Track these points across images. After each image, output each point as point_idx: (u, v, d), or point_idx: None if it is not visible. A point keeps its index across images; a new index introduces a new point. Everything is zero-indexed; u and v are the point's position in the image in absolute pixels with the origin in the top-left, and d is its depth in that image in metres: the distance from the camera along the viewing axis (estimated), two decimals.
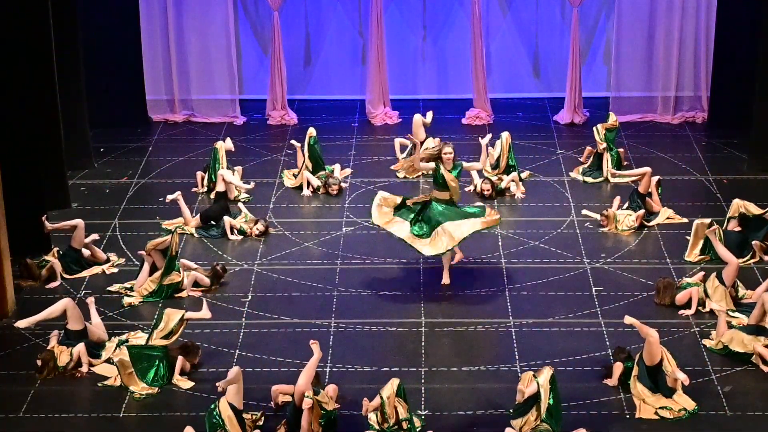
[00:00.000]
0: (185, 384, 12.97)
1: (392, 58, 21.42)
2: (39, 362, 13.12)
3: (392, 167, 18.92)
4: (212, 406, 11.92)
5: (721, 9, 20.02)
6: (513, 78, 22.03)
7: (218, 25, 20.98)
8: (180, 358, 13.07)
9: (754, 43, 18.62)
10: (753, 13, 18.94)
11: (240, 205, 17.18)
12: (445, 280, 15.07)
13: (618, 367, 12.76)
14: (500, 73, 21.92)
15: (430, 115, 18.80)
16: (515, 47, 21.84)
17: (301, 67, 21.97)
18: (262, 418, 12.25)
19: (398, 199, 14.89)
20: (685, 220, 16.57)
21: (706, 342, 13.61)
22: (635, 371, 12.53)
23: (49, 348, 13.33)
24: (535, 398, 11.82)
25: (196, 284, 14.97)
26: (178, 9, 20.90)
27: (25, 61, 15.76)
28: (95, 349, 13.49)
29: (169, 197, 16.76)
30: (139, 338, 13.71)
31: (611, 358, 13.10)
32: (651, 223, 16.61)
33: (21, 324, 13.94)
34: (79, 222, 15.64)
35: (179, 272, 14.96)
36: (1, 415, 12.42)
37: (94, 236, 15.83)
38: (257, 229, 16.54)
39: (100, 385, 12.99)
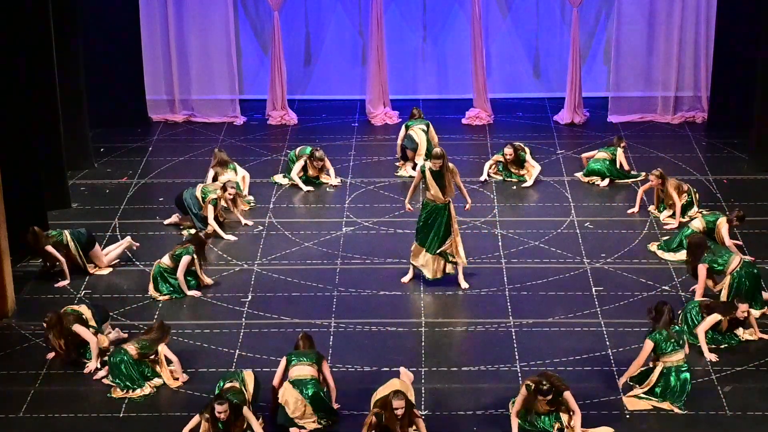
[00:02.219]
0: (174, 383, 12.93)
1: (392, 58, 21.42)
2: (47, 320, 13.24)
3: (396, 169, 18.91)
4: (239, 370, 12.48)
5: (721, 9, 20.02)
6: (513, 78, 22.04)
7: (218, 25, 20.97)
8: (161, 347, 13.04)
9: (754, 43, 18.62)
10: (753, 13, 18.94)
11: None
12: (464, 284, 15.09)
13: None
14: (500, 73, 21.92)
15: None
16: (515, 47, 21.85)
17: (301, 67, 21.97)
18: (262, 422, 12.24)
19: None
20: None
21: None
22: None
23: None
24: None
25: (191, 277, 15.01)
26: (178, 9, 20.90)
27: (25, 61, 15.76)
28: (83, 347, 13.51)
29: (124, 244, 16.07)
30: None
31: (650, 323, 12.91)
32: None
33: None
34: (127, 242, 15.81)
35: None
36: (1, 415, 12.42)
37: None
38: (228, 195, 16.62)
39: (109, 395, 12.92)
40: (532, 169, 18.22)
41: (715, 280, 14.35)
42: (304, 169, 18.20)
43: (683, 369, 12.47)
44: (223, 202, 16.70)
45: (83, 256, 15.38)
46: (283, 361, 12.45)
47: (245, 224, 16.83)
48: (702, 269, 14.27)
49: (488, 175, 18.33)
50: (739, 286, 14.17)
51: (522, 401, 11.97)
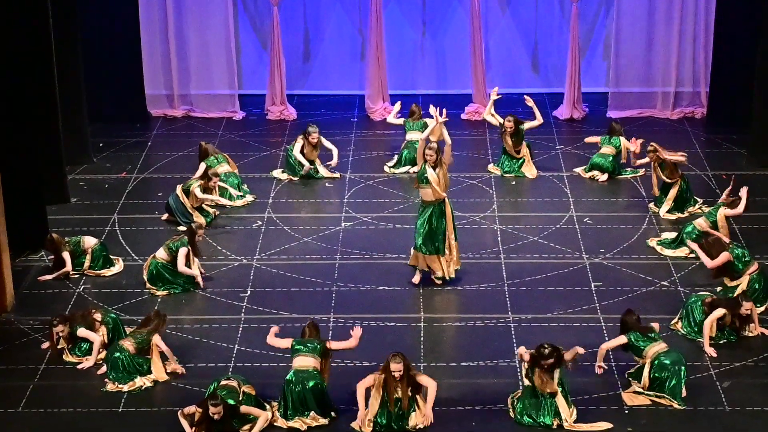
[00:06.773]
0: (164, 378, 12.94)
1: (391, 53, 21.42)
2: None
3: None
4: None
5: (720, 4, 20.02)
6: (512, 73, 22.03)
7: (217, 21, 20.96)
8: (155, 338, 13.03)
9: (753, 38, 18.62)
10: (752, 9, 18.94)
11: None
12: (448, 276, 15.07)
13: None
14: (499, 68, 21.91)
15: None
16: (514, 42, 21.84)
17: (300, 62, 21.96)
18: None
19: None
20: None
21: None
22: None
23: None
24: None
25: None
26: (177, 4, 20.89)
27: (25, 57, 15.75)
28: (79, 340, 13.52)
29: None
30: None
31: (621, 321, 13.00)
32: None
33: None
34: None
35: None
36: (0, 410, 12.43)
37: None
38: (212, 184, 16.84)
39: (103, 389, 12.94)
40: (529, 159, 18.33)
41: (732, 277, 14.39)
42: (302, 152, 18.21)
43: (669, 352, 12.58)
44: (199, 191, 16.70)
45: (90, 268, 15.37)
46: (288, 342, 12.46)
47: (219, 203, 16.99)
48: (725, 256, 14.33)
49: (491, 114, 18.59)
50: (753, 291, 14.24)
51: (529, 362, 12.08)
